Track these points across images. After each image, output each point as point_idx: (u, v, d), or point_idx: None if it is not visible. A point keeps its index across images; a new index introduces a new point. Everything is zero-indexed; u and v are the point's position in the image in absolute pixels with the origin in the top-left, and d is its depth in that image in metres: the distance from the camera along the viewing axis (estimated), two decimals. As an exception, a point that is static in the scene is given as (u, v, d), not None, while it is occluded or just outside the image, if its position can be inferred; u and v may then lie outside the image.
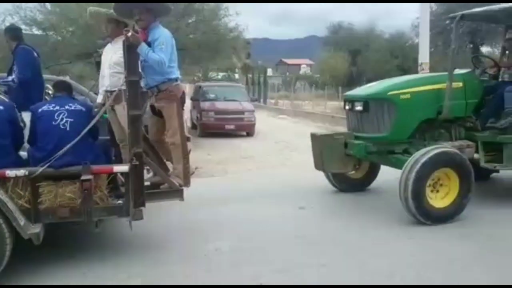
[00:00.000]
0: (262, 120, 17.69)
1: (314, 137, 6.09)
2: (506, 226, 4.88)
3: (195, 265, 3.93)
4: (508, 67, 6.11)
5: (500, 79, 6.17)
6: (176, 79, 4.50)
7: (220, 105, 14.48)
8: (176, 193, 4.29)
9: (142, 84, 4.75)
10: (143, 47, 4.09)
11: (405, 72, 22.77)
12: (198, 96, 15.11)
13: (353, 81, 31.68)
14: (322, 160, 5.88)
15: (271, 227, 4.96)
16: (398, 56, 33.54)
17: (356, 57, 36.99)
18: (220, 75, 35.20)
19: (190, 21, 13.67)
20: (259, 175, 8.10)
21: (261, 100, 31.77)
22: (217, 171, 8.51)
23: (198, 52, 13.95)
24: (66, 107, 4.04)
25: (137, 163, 3.80)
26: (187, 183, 4.50)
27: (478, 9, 5.85)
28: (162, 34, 4.32)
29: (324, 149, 5.86)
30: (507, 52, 6.33)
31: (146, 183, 4.20)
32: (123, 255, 4.15)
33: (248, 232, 4.77)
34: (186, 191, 4.51)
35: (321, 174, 6.43)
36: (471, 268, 3.83)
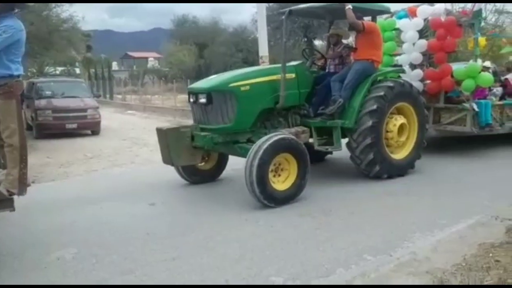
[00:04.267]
0: (109, 117, 16.86)
1: (160, 131, 5.99)
2: (340, 202, 5.45)
3: (33, 279, 3.57)
4: (333, 59, 6.81)
5: (327, 70, 6.85)
6: (18, 76, 4.07)
7: (58, 102, 13.26)
8: (4, 203, 3.81)
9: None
10: None
11: (250, 64, 23.83)
12: (32, 93, 13.60)
13: (201, 74, 32.00)
14: (170, 154, 5.83)
15: (120, 227, 4.76)
16: (243, 49, 34.90)
17: (203, 50, 37.44)
18: (59, 70, 32.37)
19: (16, 10, 12.21)
20: (107, 175, 7.71)
21: (107, 96, 30.19)
22: (58, 174, 7.84)
23: (28, 45, 12.54)
24: None
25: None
26: (22, 190, 4.04)
27: (304, 5, 6.38)
28: (6, 24, 3.92)
29: (170, 143, 5.81)
30: (331, 45, 7.02)
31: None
32: None
33: (95, 236, 4.50)
34: (23, 199, 4.06)
35: (171, 169, 6.38)
36: (311, 243, 4.19)
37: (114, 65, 49.52)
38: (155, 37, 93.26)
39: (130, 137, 12.21)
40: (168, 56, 40.00)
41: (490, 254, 3.74)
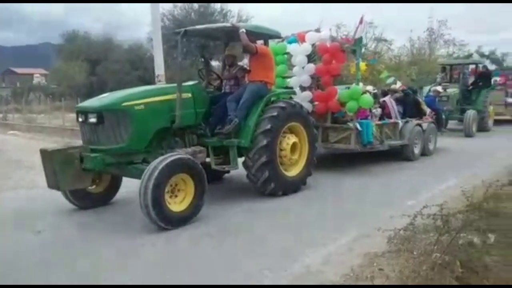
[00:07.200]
0: (-14, 137, 15.28)
1: (44, 153, 5.54)
2: (238, 221, 5.50)
3: None
4: (229, 80, 6.93)
5: (223, 91, 6.95)
6: None
7: None
8: None
9: None
10: None
11: (146, 83, 23.29)
12: None
13: (94, 91, 30.51)
14: (56, 178, 5.42)
15: (4, 258, 4.33)
16: (139, 67, 34.03)
17: (95, 67, 35.78)
18: None
19: None
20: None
21: (-15, 115, 27.37)
22: None
23: None
24: None
25: None
26: None
27: (199, 26, 6.44)
28: None
29: (56, 165, 5.40)
30: (227, 66, 7.15)
31: None
32: None
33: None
34: None
35: (59, 193, 5.92)
36: (210, 263, 4.17)
37: (-6, 81, 45.15)
38: (42, 53, 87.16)
39: (12, 160, 11.13)
40: (56, 72, 37.50)
41: (375, 264, 4.03)
